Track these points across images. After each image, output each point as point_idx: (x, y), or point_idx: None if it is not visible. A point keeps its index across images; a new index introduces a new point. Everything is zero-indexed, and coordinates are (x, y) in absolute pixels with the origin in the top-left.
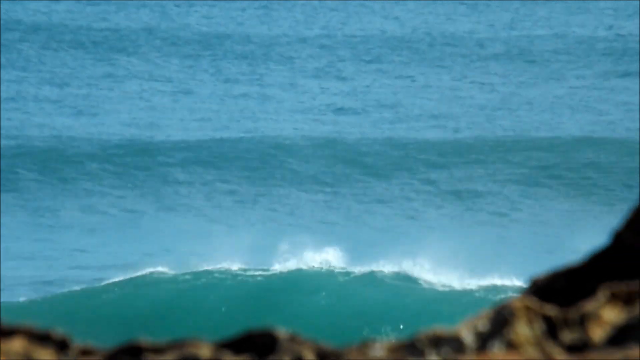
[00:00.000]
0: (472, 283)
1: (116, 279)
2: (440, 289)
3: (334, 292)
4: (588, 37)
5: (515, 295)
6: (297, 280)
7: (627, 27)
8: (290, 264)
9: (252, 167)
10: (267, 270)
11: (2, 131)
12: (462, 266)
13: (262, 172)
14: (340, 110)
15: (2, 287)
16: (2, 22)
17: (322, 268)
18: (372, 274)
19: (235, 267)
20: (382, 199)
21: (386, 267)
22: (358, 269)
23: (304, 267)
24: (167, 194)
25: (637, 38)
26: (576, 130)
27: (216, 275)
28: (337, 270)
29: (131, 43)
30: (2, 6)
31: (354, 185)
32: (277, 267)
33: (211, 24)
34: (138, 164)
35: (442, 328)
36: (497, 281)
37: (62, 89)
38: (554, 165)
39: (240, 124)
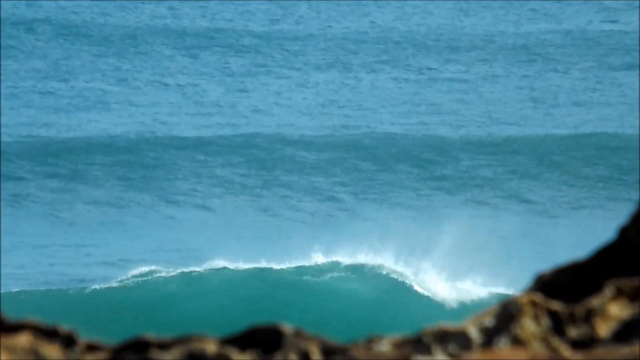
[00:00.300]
0: (475, 279)
1: (122, 276)
2: (443, 287)
3: (334, 289)
4: (594, 31)
5: (521, 291)
6: (300, 276)
7: (633, 22)
8: (299, 261)
9: (258, 161)
10: (272, 266)
11: (9, 126)
12: (466, 263)
13: (268, 166)
14: (345, 106)
15: (7, 282)
16: (8, 16)
17: (326, 263)
18: (374, 269)
19: (242, 263)
20: (387, 193)
21: (392, 261)
22: (359, 264)
23: (310, 263)
24: (173, 189)
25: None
26: (582, 124)
27: (220, 271)
28: (342, 265)
29: (138, 38)
30: (9, 1)
31: (360, 180)
32: (285, 264)
33: (217, 19)
34: (145, 158)
35: (448, 324)
36: (503, 278)
37: (67, 84)
38: (558, 160)
39: (246, 119)
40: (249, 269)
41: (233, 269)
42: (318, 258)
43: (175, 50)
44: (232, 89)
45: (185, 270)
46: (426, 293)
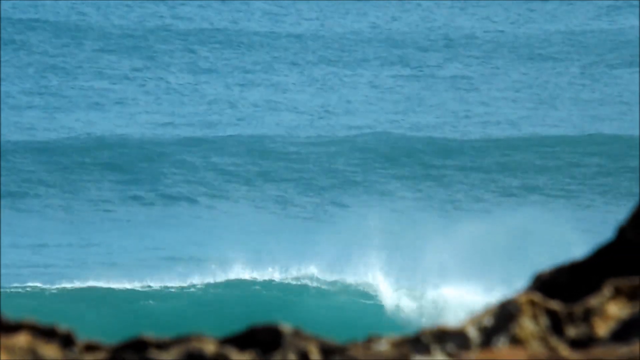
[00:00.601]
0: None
1: (118, 277)
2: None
3: (322, 297)
4: (594, 30)
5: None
6: (284, 284)
7: (633, 21)
8: (289, 268)
9: (257, 164)
10: (269, 279)
11: (9, 125)
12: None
13: (266, 165)
14: (344, 105)
15: (4, 282)
16: (9, 16)
17: (315, 272)
18: (365, 274)
19: (242, 274)
20: (385, 191)
21: (383, 264)
22: (350, 269)
23: (297, 272)
24: (173, 187)
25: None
26: (581, 123)
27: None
28: (332, 273)
29: (139, 37)
30: (14, 3)
31: (357, 179)
32: (273, 274)
33: (218, 18)
34: (146, 157)
35: (447, 324)
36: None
37: (68, 83)
38: (558, 159)
39: (246, 118)
40: (231, 279)
41: (208, 282)
42: (309, 267)
43: (176, 49)
44: (232, 88)
45: (171, 273)
46: (413, 302)
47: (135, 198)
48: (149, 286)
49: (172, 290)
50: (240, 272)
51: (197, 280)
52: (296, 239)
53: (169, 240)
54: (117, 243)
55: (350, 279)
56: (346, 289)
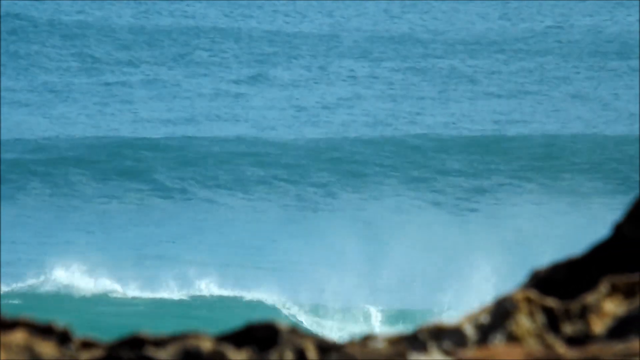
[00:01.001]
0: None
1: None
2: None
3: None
4: (594, 29)
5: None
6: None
7: (633, 17)
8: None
9: (255, 160)
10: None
11: (7, 125)
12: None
13: (265, 165)
14: (343, 103)
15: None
16: (8, 12)
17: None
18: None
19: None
20: (387, 192)
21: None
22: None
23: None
24: (169, 188)
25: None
26: (581, 122)
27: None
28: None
29: (138, 33)
30: (19, 4)
31: (348, 180)
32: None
33: (216, 16)
34: (140, 158)
35: (444, 321)
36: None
37: (63, 80)
38: (556, 157)
39: (245, 118)
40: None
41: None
42: (297, 289)
43: (175, 46)
44: (231, 85)
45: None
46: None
47: (132, 194)
48: (120, 291)
49: (146, 297)
50: (219, 286)
51: (175, 288)
52: (291, 244)
53: (160, 240)
54: (111, 240)
55: (339, 303)
56: (334, 316)
